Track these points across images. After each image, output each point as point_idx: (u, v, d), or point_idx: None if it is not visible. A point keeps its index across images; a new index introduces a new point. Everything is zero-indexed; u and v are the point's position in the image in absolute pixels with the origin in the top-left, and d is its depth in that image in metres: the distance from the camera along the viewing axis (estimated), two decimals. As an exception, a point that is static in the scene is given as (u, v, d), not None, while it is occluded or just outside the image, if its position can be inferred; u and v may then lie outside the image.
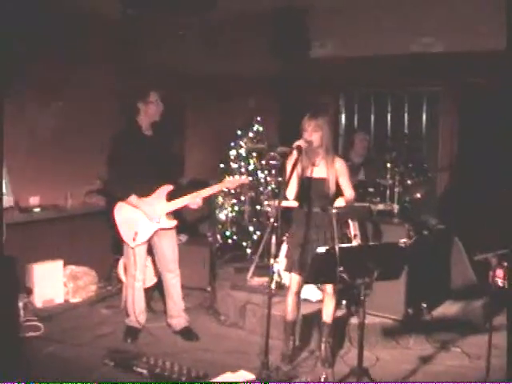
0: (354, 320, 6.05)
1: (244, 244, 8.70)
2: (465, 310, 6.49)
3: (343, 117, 9.84)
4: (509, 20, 4.50)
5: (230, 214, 8.86)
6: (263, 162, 8.71)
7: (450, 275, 6.82)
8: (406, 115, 9.35)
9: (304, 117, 5.42)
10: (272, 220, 5.04)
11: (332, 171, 5.42)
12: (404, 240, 4.48)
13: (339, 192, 5.48)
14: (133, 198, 5.90)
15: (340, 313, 6.19)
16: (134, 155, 5.86)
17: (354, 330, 5.86)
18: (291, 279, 5.56)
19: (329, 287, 5.49)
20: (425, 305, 6.25)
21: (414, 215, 6.74)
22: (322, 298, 5.69)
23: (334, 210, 5.06)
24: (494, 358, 4.86)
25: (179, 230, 6.43)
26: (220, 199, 8.64)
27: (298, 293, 5.61)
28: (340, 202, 5.38)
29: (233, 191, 8.40)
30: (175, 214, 6.16)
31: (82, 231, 7.55)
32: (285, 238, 6.06)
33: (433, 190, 8.61)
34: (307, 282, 5.52)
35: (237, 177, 6.63)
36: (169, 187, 5.98)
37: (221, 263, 8.08)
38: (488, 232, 7.21)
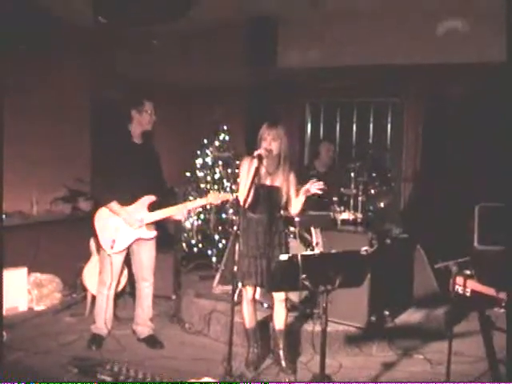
0: (317, 327, 6.09)
1: (209, 252, 8.71)
2: (427, 317, 6.55)
3: (309, 126, 9.93)
4: (509, 31, 4.59)
5: (196, 223, 8.87)
6: (229, 171, 8.76)
7: (412, 283, 6.88)
8: (371, 126, 9.49)
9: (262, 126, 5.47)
10: (235, 228, 5.07)
11: (287, 180, 5.48)
12: (366, 248, 4.53)
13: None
14: (114, 205, 5.88)
15: (304, 320, 6.28)
16: (120, 162, 5.87)
17: (317, 337, 5.91)
18: (244, 288, 5.59)
19: (280, 294, 5.52)
20: (387, 312, 6.30)
21: (377, 224, 6.82)
22: (272, 305, 5.72)
23: (296, 218, 5.11)
24: (454, 364, 4.93)
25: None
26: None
27: (254, 299, 5.67)
28: (297, 204, 5.47)
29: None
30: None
31: (47, 238, 7.47)
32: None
33: (396, 200, 8.73)
34: (270, 291, 5.57)
35: (222, 192, 6.62)
36: (151, 197, 5.95)
37: (186, 271, 8.10)
38: (449, 241, 7.35)
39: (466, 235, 7.65)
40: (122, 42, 7.97)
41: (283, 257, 4.41)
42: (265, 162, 5.37)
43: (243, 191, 5.28)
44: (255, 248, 5.43)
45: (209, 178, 8.79)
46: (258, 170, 5.22)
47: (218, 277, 7.18)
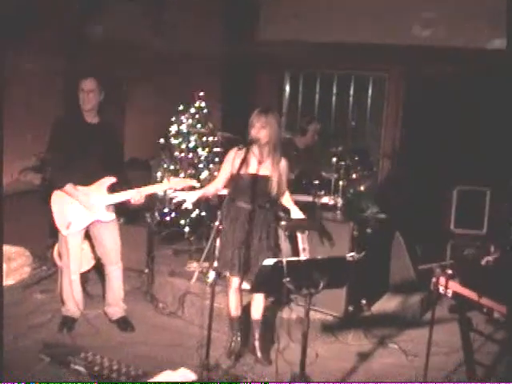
0: (293, 315, 6.06)
1: (182, 222, 8.55)
2: (402, 305, 6.56)
3: (287, 96, 9.75)
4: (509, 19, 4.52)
5: (169, 191, 8.69)
6: (204, 139, 8.55)
7: (389, 269, 6.85)
8: (351, 98, 9.36)
9: (252, 111, 5.28)
10: (217, 223, 4.91)
11: (277, 170, 5.31)
12: (352, 254, 4.45)
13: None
14: (68, 187, 5.68)
15: (281, 307, 6.21)
16: (73, 143, 5.65)
17: (293, 325, 5.91)
18: (230, 278, 5.49)
19: None
20: (364, 301, 6.27)
21: (355, 204, 6.74)
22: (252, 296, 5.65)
23: (283, 223, 5.01)
24: (431, 355, 4.88)
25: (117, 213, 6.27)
26: (159, 175, 8.42)
27: (240, 288, 5.57)
28: (297, 214, 5.36)
29: (172, 167, 8.22)
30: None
31: (16, 210, 7.19)
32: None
33: (375, 181, 8.66)
34: (251, 292, 5.47)
35: (182, 175, 6.41)
36: (111, 179, 5.75)
37: (158, 240, 7.94)
38: (426, 221, 7.33)
39: (443, 216, 7.66)
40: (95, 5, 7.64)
41: (268, 261, 4.31)
42: (256, 150, 5.23)
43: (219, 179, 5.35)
44: (240, 238, 5.31)
45: (183, 146, 8.57)
46: (244, 158, 5.08)
47: (196, 275, 6.85)
